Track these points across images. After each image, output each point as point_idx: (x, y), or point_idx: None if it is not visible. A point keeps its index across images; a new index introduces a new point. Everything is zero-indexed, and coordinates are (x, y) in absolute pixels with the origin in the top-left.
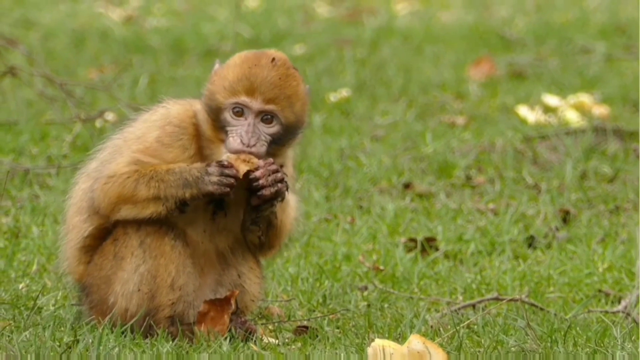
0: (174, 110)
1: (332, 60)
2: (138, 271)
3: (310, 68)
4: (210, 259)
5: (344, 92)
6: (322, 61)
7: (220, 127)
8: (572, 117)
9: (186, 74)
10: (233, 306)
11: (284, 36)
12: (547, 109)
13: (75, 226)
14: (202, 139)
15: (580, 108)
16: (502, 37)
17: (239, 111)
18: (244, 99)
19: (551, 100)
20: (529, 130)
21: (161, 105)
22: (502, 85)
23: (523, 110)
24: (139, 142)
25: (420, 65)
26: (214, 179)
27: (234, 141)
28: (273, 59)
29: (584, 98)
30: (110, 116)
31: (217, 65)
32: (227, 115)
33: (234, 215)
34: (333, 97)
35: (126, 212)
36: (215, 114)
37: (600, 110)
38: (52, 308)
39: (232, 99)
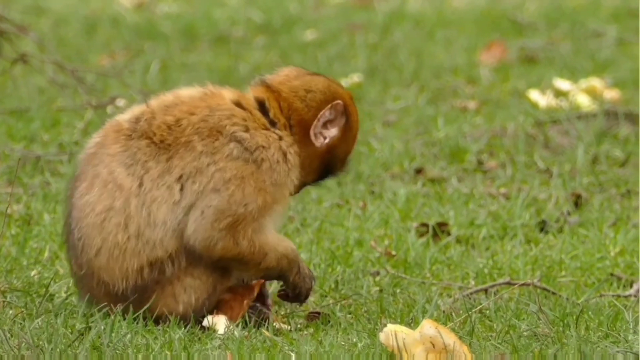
0: None
1: (343, 46)
2: (208, 280)
3: (322, 53)
4: None
5: (356, 78)
6: (334, 46)
7: None
8: (584, 101)
9: (198, 60)
10: (255, 295)
11: (295, 21)
12: (559, 93)
13: (150, 239)
14: None
15: (591, 92)
16: (513, 21)
17: None
18: None
19: (563, 84)
20: (540, 114)
21: None
22: (514, 70)
23: (535, 95)
24: None
25: (432, 49)
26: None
27: None
28: None
29: (596, 82)
30: (121, 103)
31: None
32: None
33: None
34: (345, 83)
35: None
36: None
37: (611, 94)
38: (64, 295)
39: None
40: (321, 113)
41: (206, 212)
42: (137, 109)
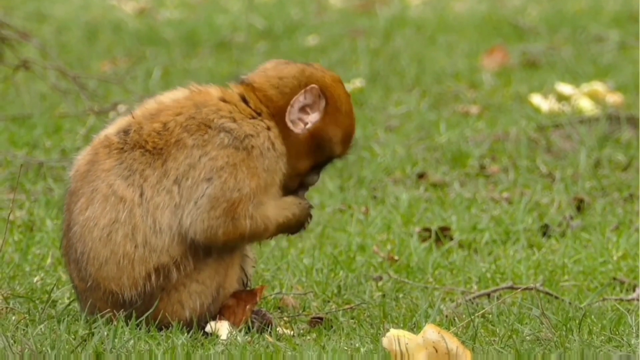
0: None
1: (345, 51)
2: (212, 285)
3: (324, 59)
4: None
5: (358, 83)
6: (336, 52)
7: None
8: (586, 106)
9: (199, 66)
10: (258, 300)
11: (297, 27)
12: (561, 98)
13: (157, 246)
14: None
15: (593, 96)
16: (515, 26)
17: None
18: None
19: (565, 88)
20: (542, 119)
21: None
22: (516, 74)
23: (537, 99)
24: None
25: (434, 55)
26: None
27: None
28: None
29: (598, 86)
30: (123, 109)
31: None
32: None
33: None
34: (347, 88)
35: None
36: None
37: (614, 98)
38: (66, 301)
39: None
40: (294, 98)
41: (200, 202)
42: (122, 122)
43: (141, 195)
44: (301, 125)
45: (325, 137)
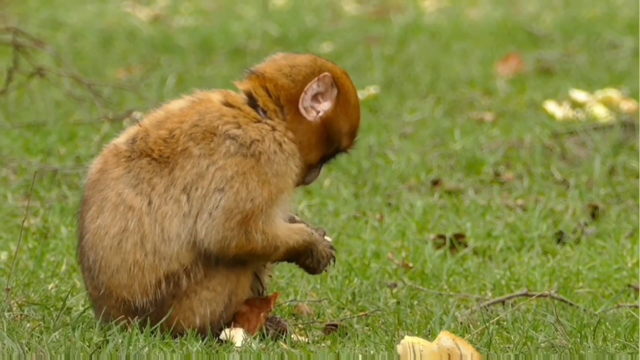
0: None
1: (360, 58)
2: (223, 292)
3: (339, 66)
4: None
5: (372, 90)
6: (350, 59)
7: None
8: (600, 113)
9: (214, 73)
10: (272, 307)
11: (311, 34)
12: (575, 105)
13: (166, 254)
14: None
15: (608, 103)
16: (529, 33)
17: None
18: None
19: (579, 95)
20: (557, 126)
21: None
22: (530, 81)
23: (551, 106)
24: None
25: (448, 62)
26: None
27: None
28: None
29: (612, 93)
30: (138, 116)
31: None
32: None
33: None
34: (361, 95)
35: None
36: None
37: (628, 105)
38: (81, 308)
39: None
40: (308, 86)
41: (214, 213)
42: (131, 131)
43: (149, 203)
44: (313, 113)
45: (335, 127)
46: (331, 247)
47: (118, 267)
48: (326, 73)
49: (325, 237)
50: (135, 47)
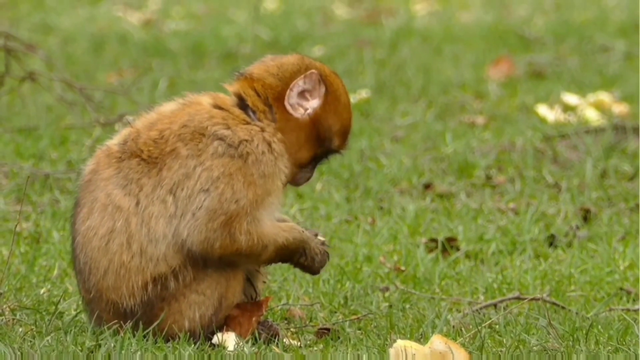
0: None
1: (351, 62)
2: (213, 295)
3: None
4: None
5: (364, 93)
6: (342, 62)
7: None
8: (592, 116)
9: (206, 77)
10: (263, 312)
11: (303, 38)
12: (567, 108)
13: (153, 255)
14: None
15: (599, 106)
16: (521, 36)
17: None
18: None
19: (571, 99)
20: (548, 129)
21: None
22: (522, 85)
23: (543, 110)
24: None
25: (440, 65)
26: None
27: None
28: None
29: (604, 96)
30: (129, 120)
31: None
32: None
33: None
34: (353, 99)
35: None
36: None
37: (620, 109)
38: (73, 312)
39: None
40: (293, 82)
41: (198, 214)
42: (124, 132)
43: (137, 204)
44: (301, 110)
45: (325, 126)
46: (323, 244)
47: (106, 268)
48: (313, 70)
49: (318, 237)
50: (126, 51)
